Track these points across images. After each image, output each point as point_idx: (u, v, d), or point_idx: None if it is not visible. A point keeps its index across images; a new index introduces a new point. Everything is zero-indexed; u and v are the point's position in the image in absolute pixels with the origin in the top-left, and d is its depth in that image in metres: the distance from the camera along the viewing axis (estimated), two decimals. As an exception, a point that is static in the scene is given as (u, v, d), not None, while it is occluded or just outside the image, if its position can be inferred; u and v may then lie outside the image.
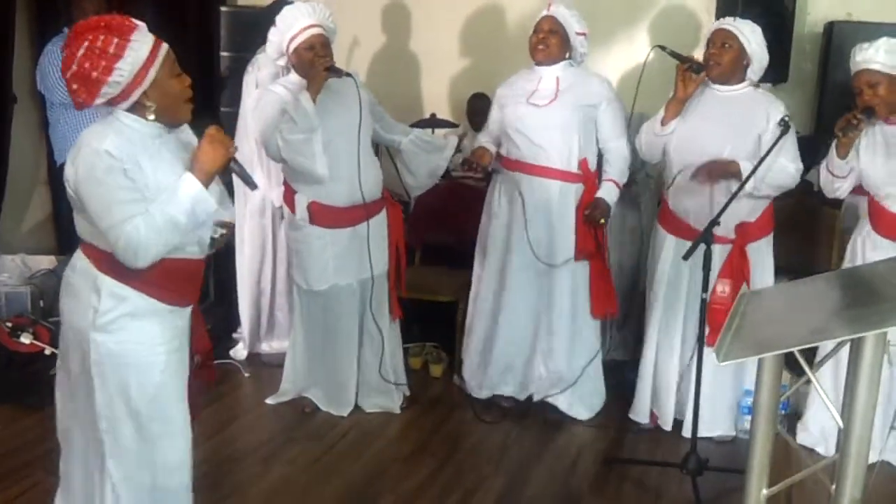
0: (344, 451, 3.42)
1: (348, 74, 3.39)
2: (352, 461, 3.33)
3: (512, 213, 3.63)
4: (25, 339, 3.92)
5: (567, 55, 3.57)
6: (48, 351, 3.95)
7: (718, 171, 3.26)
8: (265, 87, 3.66)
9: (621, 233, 4.10)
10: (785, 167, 3.24)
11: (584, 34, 3.56)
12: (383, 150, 4.34)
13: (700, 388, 3.09)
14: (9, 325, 3.95)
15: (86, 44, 2.00)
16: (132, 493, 2.21)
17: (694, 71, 3.29)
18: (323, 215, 3.49)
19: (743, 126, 3.30)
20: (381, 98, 3.75)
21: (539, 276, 3.62)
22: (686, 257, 2.95)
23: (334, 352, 3.64)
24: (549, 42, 3.52)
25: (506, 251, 3.66)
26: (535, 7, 3.92)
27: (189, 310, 2.28)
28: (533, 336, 3.69)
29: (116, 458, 2.19)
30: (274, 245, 4.17)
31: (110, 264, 2.09)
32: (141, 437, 2.19)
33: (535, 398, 3.71)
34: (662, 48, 3.29)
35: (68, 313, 2.20)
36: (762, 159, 3.07)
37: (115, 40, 2.00)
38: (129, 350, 2.13)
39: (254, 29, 4.36)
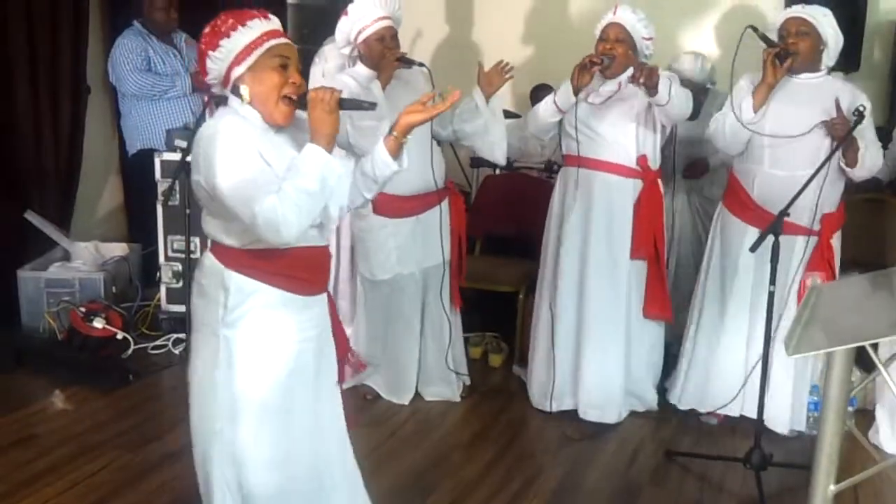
0: (404, 438, 3.45)
1: (421, 64, 3.42)
2: (412, 448, 3.37)
3: (568, 208, 3.58)
4: (98, 323, 4.05)
5: (634, 61, 3.47)
6: (120, 335, 4.10)
7: (844, 124, 3.13)
8: (333, 77, 3.69)
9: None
10: (876, 154, 3.20)
11: (651, 38, 3.48)
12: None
13: (765, 382, 3.04)
14: (82, 310, 4.09)
15: (213, 23, 2.08)
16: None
17: (780, 58, 3.19)
18: (387, 205, 3.50)
19: (830, 113, 3.21)
20: (442, 89, 3.75)
21: (594, 274, 3.54)
22: (753, 249, 2.90)
23: (396, 340, 3.68)
24: (616, 51, 3.42)
25: (561, 249, 3.60)
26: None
27: (324, 298, 2.26)
28: (586, 340, 3.58)
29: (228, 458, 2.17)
30: (338, 233, 4.23)
31: (237, 260, 2.10)
32: (259, 436, 2.16)
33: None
34: (755, 29, 3.18)
35: (198, 312, 2.19)
36: (837, 146, 3.03)
37: (231, 21, 2.06)
38: (259, 344, 2.12)
39: (319, 21, 4.45)
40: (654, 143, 3.54)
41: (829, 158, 3.04)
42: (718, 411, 3.55)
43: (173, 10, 4.68)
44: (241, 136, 2.03)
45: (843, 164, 3.20)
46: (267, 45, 2.06)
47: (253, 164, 2.00)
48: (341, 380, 2.38)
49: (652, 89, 3.29)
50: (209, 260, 2.16)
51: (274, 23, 2.11)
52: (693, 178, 4.05)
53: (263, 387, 2.14)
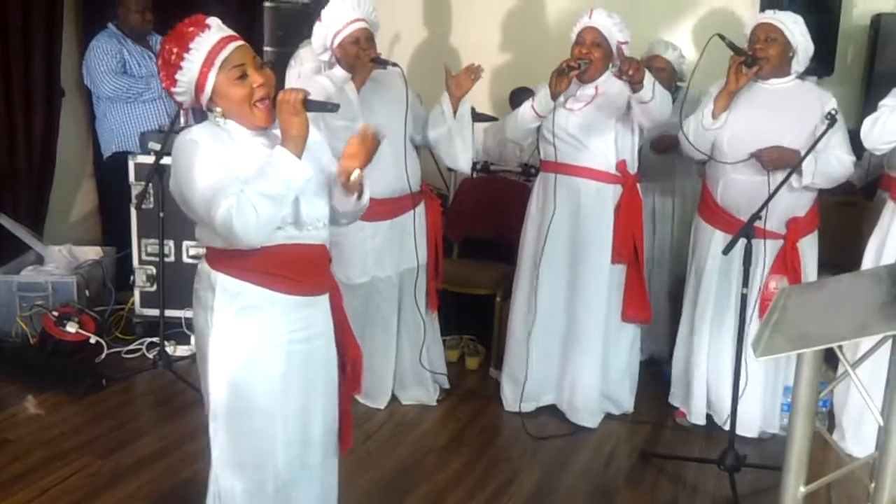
0: (379, 442, 3.44)
1: (394, 64, 3.41)
2: (387, 452, 3.36)
3: (547, 214, 3.59)
4: (71, 327, 4.01)
5: (609, 65, 3.50)
6: (93, 340, 4.06)
7: (785, 159, 3.18)
8: (309, 78, 3.67)
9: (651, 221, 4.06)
10: (839, 159, 3.20)
11: (626, 42, 3.49)
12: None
13: (738, 385, 3.05)
14: (55, 314, 4.05)
15: (161, 56, 2.06)
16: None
17: (747, 65, 3.22)
18: (363, 208, 3.52)
19: (798, 118, 3.24)
20: (421, 92, 3.76)
21: (572, 280, 3.57)
22: (726, 252, 2.92)
23: (372, 344, 3.65)
24: (594, 55, 3.42)
25: (540, 253, 3.59)
26: (576, 1, 3.88)
27: (323, 299, 2.22)
28: (567, 343, 3.62)
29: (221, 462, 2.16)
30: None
31: (223, 260, 2.08)
32: (252, 441, 2.14)
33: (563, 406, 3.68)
34: (722, 37, 3.20)
35: (196, 320, 2.17)
36: (808, 151, 3.05)
37: (176, 50, 2.02)
38: (248, 344, 2.09)
39: (296, 23, 4.43)
40: (632, 147, 3.55)
41: (790, 175, 3.07)
42: (692, 420, 3.57)
43: (148, 12, 4.65)
44: (210, 143, 2.01)
45: (806, 179, 3.19)
46: (218, 61, 2.02)
47: (217, 171, 1.98)
48: (350, 391, 2.34)
49: (637, 84, 3.29)
50: (201, 265, 2.15)
51: (214, 30, 2.05)
52: (661, 153, 4.03)
53: (260, 390, 2.11)
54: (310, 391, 2.21)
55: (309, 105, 2.04)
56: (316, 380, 2.22)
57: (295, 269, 2.12)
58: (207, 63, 2.02)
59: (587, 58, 3.42)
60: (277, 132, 2.08)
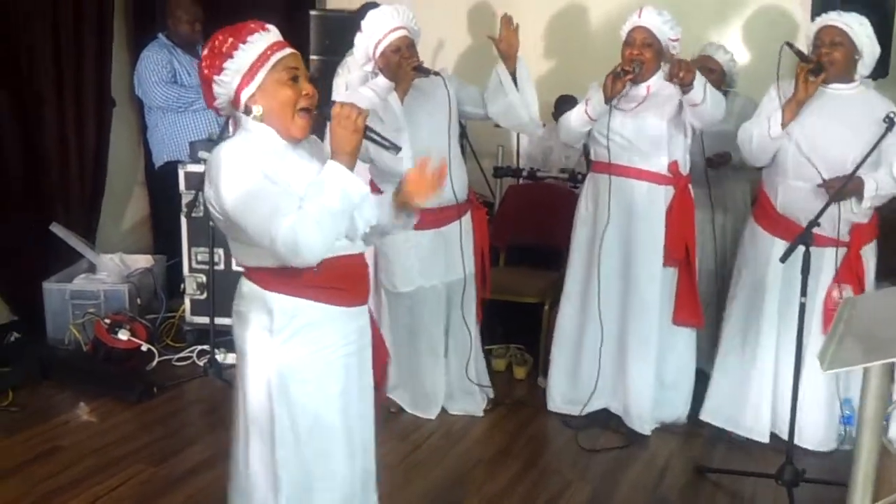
0: (428, 452, 3.42)
1: (436, 73, 3.39)
2: (436, 463, 3.33)
3: (597, 215, 3.56)
4: (123, 335, 4.06)
5: (661, 64, 3.46)
6: (144, 347, 4.10)
7: (850, 191, 3.11)
8: (353, 90, 3.69)
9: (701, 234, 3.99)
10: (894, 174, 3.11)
11: (677, 39, 3.45)
12: (469, 152, 4.34)
13: (797, 397, 2.97)
14: (107, 321, 4.10)
15: (210, 44, 2.01)
16: None
17: (814, 72, 3.13)
18: (409, 217, 3.51)
19: (865, 128, 3.14)
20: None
21: (623, 282, 3.53)
22: (783, 259, 2.86)
23: (420, 354, 3.65)
24: (645, 56, 3.39)
25: (589, 256, 3.58)
26: (620, 5, 3.83)
27: (365, 309, 2.20)
28: (619, 348, 3.58)
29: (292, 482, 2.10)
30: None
31: (277, 280, 2.02)
32: (319, 456, 2.11)
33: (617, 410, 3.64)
34: (790, 45, 3.14)
35: (241, 342, 2.10)
36: (865, 158, 2.98)
37: (230, 40, 1.98)
38: (309, 363, 2.06)
39: (342, 32, 4.43)
40: (684, 148, 3.51)
41: (851, 175, 3.00)
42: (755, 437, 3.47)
43: (198, 22, 4.71)
44: (254, 156, 1.95)
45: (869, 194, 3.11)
46: (273, 59, 1.98)
47: (263, 186, 1.92)
48: (381, 399, 2.32)
49: (688, 86, 3.25)
50: (247, 286, 2.09)
51: (273, 34, 2.03)
52: (714, 168, 3.97)
53: (325, 405, 2.08)
54: (363, 400, 2.19)
55: (368, 132, 1.99)
56: (366, 388, 2.21)
57: (347, 280, 2.09)
58: (262, 58, 1.97)
59: (639, 59, 3.38)
60: (310, 146, 2.07)
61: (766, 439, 3.42)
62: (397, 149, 2.09)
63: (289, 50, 2.03)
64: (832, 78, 3.18)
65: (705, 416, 3.56)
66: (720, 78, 4.03)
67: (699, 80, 3.27)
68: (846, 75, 3.21)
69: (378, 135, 2.03)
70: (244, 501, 2.16)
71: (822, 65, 3.13)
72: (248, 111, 2.01)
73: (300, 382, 2.05)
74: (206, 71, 2.00)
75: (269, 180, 1.93)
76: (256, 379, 2.07)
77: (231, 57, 1.97)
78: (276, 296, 2.03)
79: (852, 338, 1.82)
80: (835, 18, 3.19)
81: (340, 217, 1.94)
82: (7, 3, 4.17)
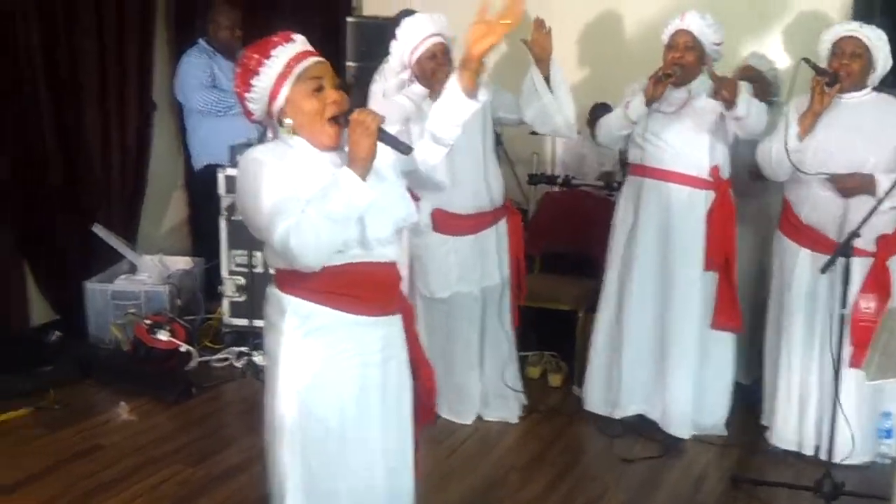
0: (463, 457, 3.43)
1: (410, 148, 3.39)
2: (470, 468, 3.35)
3: (635, 219, 3.57)
4: (163, 335, 4.12)
5: (703, 68, 3.46)
6: (183, 348, 4.16)
7: (861, 187, 3.13)
8: (389, 98, 3.72)
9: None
10: None
11: (720, 43, 3.45)
12: (504, 159, 4.34)
13: (836, 409, 2.95)
14: (147, 321, 4.17)
15: (240, 62, 2.05)
16: None
17: (829, 84, 3.15)
18: (446, 222, 3.52)
19: (880, 134, 3.18)
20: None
21: (662, 287, 3.54)
22: (824, 270, 2.85)
23: (456, 360, 3.66)
24: (687, 60, 3.40)
25: (627, 261, 3.59)
26: (656, 12, 3.82)
27: (396, 319, 2.18)
28: (658, 352, 3.58)
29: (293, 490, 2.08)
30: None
31: (291, 282, 2.04)
32: (329, 466, 2.08)
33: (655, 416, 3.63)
34: (807, 61, 3.17)
35: (266, 344, 2.14)
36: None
37: (256, 56, 2.01)
38: (322, 367, 2.05)
39: (379, 38, 4.46)
40: (725, 152, 3.50)
41: (885, 197, 2.99)
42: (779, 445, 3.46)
43: (237, 28, 4.77)
44: (275, 163, 1.98)
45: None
46: (296, 71, 2.01)
47: (280, 191, 1.94)
48: (423, 421, 2.28)
49: (732, 104, 3.25)
50: (271, 289, 2.12)
51: (298, 44, 2.05)
52: (757, 181, 3.95)
53: (334, 414, 2.06)
54: (386, 415, 2.15)
55: (384, 136, 2.00)
56: (390, 404, 2.16)
57: (364, 288, 2.07)
58: (285, 72, 2.00)
59: (681, 62, 3.38)
60: (346, 151, 2.05)
61: (810, 451, 3.39)
62: (410, 149, 2.08)
63: (312, 59, 2.04)
64: (845, 88, 3.19)
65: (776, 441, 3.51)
66: (764, 88, 4.01)
67: (743, 95, 3.28)
68: (858, 84, 3.22)
69: (389, 136, 2.03)
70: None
71: (837, 76, 3.15)
72: (280, 123, 2.04)
73: (312, 387, 2.04)
74: (238, 90, 2.05)
75: (279, 181, 1.95)
76: (275, 380, 2.07)
77: (257, 74, 2.01)
78: (290, 297, 2.05)
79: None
80: (856, 30, 3.21)
81: (343, 223, 1.93)
82: (52, 8, 4.24)
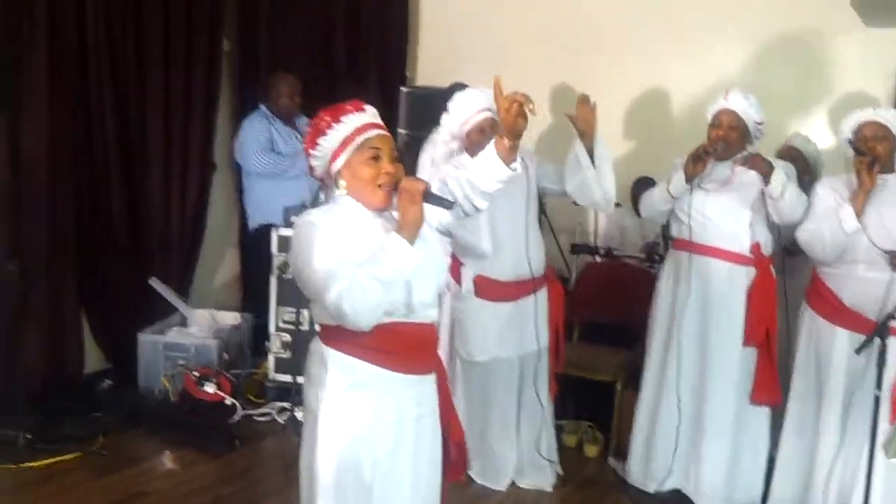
0: (496, 523, 3.47)
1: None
2: (503, 534, 3.38)
3: (676, 293, 3.62)
4: (209, 388, 4.24)
5: (746, 145, 3.55)
6: (228, 401, 4.27)
7: None
8: (437, 166, 3.85)
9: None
10: None
11: (762, 123, 3.55)
12: (547, 228, 4.44)
13: (870, 488, 2.92)
14: (196, 374, 4.29)
15: (313, 121, 2.23)
16: None
17: (870, 164, 3.22)
18: (488, 289, 3.61)
19: None
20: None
21: (701, 361, 3.57)
22: (859, 351, 2.87)
23: (492, 425, 3.71)
24: (731, 138, 3.49)
25: (667, 334, 3.64)
26: (701, 89, 3.92)
27: (431, 378, 2.29)
28: (695, 426, 3.60)
29: None
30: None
31: (336, 336, 2.15)
32: None
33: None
34: (850, 142, 3.27)
35: (305, 397, 2.25)
36: None
37: (328, 119, 2.19)
38: (358, 421, 2.14)
39: (430, 108, 4.63)
40: (766, 230, 3.55)
41: None
42: None
43: (297, 96, 4.98)
44: (328, 226, 2.12)
45: None
46: (359, 139, 2.17)
47: (333, 253, 2.07)
48: (454, 476, 2.36)
49: (764, 176, 3.34)
50: (314, 344, 2.24)
51: (368, 114, 2.21)
52: (792, 257, 3.98)
53: (368, 466, 2.15)
54: (417, 471, 2.24)
55: (427, 197, 2.15)
56: (422, 460, 2.26)
57: (406, 347, 2.19)
58: (350, 138, 2.17)
59: (724, 139, 3.47)
60: (395, 213, 2.19)
61: None
62: (452, 204, 2.25)
63: (376, 131, 2.20)
64: (881, 170, 3.25)
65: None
66: (804, 168, 4.07)
67: (778, 175, 3.35)
68: (888, 167, 3.29)
69: (433, 196, 2.18)
70: None
71: (877, 157, 3.21)
72: (336, 184, 2.21)
73: (348, 439, 2.14)
74: (306, 146, 2.23)
75: (332, 244, 2.09)
76: (312, 430, 2.18)
77: (325, 134, 2.18)
78: (333, 352, 2.17)
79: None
80: (876, 114, 3.29)
81: (391, 286, 2.07)
82: (125, 73, 4.49)
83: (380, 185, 2.17)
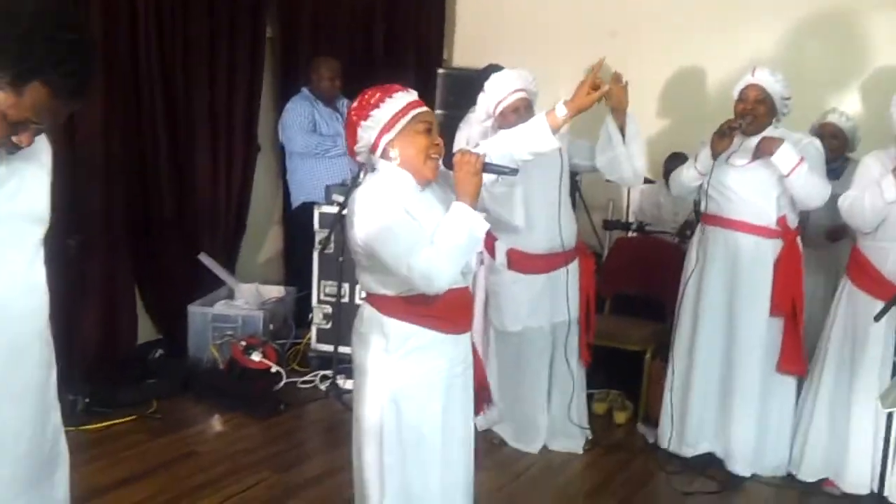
0: (528, 482, 3.61)
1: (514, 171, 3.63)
2: (534, 493, 3.52)
3: (705, 266, 3.71)
4: (256, 356, 4.43)
5: (774, 120, 3.61)
6: (274, 369, 4.45)
7: None
8: (472, 145, 3.98)
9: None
10: None
11: (789, 98, 3.60)
12: (580, 205, 4.55)
13: (888, 453, 3.02)
14: (243, 343, 4.48)
15: (359, 98, 2.31)
16: None
17: None
18: (520, 262, 3.75)
19: None
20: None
21: (729, 331, 3.67)
22: (878, 318, 2.95)
23: (524, 391, 3.86)
24: (757, 112, 3.55)
25: (696, 306, 3.74)
26: (733, 67, 3.97)
27: (468, 336, 2.46)
28: (724, 393, 3.71)
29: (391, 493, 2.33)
30: (472, 287, 4.46)
31: (395, 306, 2.29)
32: (421, 465, 2.33)
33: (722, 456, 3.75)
34: None
35: (360, 360, 2.36)
36: None
37: (379, 94, 2.28)
38: (417, 382, 2.30)
39: (466, 89, 4.77)
40: (792, 204, 3.60)
41: None
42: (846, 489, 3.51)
43: (338, 79, 5.14)
44: (391, 196, 2.25)
45: None
46: (412, 113, 2.26)
47: (402, 221, 2.19)
48: (478, 411, 2.56)
49: (769, 155, 3.43)
50: (367, 310, 2.36)
51: (414, 94, 2.31)
52: (835, 242, 4.05)
53: (427, 421, 2.32)
54: (466, 417, 2.45)
55: (487, 167, 2.29)
56: (468, 408, 2.47)
57: (455, 310, 2.36)
58: (404, 111, 2.25)
59: (751, 113, 3.53)
60: (437, 188, 2.35)
61: (865, 490, 3.44)
62: (515, 171, 2.42)
63: (425, 108, 2.33)
64: None
65: (803, 474, 3.62)
66: (841, 145, 4.12)
67: (783, 152, 3.41)
68: None
69: (494, 165, 2.34)
70: None
71: None
72: (384, 155, 2.31)
73: (408, 399, 2.31)
74: (354, 118, 2.30)
75: (409, 216, 2.23)
76: (372, 394, 2.34)
77: (378, 107, 2.27)
78: (392, 321, 2.31)
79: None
80: None
81: (466, 251, 2.24)
82: (173, 59, 4.67)
83: (432, 157, 2.30)
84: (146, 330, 4.77)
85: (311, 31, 5.50)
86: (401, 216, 2.22)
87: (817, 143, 3.67)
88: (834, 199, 3.63)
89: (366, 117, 2.28)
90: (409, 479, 2.34)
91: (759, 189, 3.58)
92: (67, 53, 1.48)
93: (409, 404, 2.31)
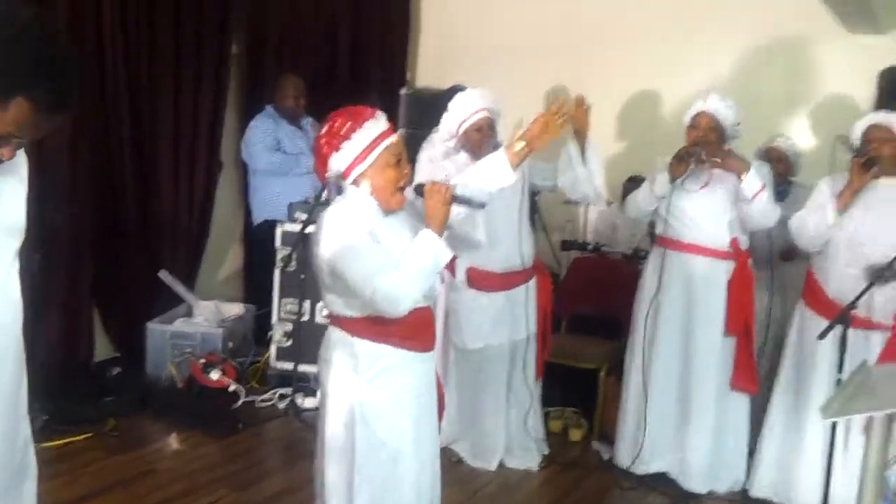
0: (485, 499, 3.65)
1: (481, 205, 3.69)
2: (492, 509, 3.56)
3: (661, 287, 3.77)
4: (215, 375, 4.41)
5: (724, 146, 3.70)
6: (232, 387, 4.44)
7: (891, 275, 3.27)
8: (435, 163, 4.04)
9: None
10: None
11: (739, 124, 3.70)
12: (538, 225, 4.62)
13: (831, 471, 3.08)
14: (202, 361, 4.47)
15: (328, 125, 2.34)
16: None
17: (867, 166, 3.34)
18: (480, 280, 3.80)
19: None
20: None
21: (684, 350, 3.75)
22: (821, 337, 3.04)
23: (484, 408, 3.90)
24: (709, 139, 3.64)
25: (652, 326, 3.80)
26: (691, 91, 4.07)
27: (432, 354, 2.53)
28: (680, 412, 3.78)
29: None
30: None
31: (364, 328, 2.35)
32: (393, 482, 2.39)
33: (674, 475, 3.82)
34: (841, 138, 3.42)
35: (328, 382, 2.42)
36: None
37: (350, 123, 2.30)
38: (387, 400, 2.36)
39: (428, 109, 4.83)
40: (744, 226, 3.71)
41: (891, 264, 3.16)
42: None
43: (302, 98, 5.17)
44: (358, 219, 2.31)
45: None
46: (383, 145, 2.32)
47: (368, 246, 2.26)
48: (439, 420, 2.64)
49: (738, 173, 3.52)
50: (336, 333, 2.41)
51: (382, 120, 2.35)
52: (789, 261, 4.15)
53: (400, 439, 2.38)
54: (432, 432, 2.51)
55: (457, 199, 2.38)
56: (434, 425, 2.54)
57: (420, 328, 2.44)
58: (375, 142, 2.30)
59: (704, 141, 3.63)
60: (401, 216, 2.41)
61: None
62: (482, 205, 2.52)
63: (395, 137, 2.38)
64: (881, 172, 3.36)
65: (755, 490, 3.69)
66: (788, 168, 4.25)
67: (752, 176, 3.51)
68: (894, 169, 3.39)
69: (463, 197, 2.44)
70: None
71: (874, 159, 3.33)
72: (356, 184, 2.35)
73: (380, 418, 2.37)
74: (324, 148, 2.32)
75: (374, 240, 2.29)
76: (338, 414, 2.39)
77: (349, 139, 2.31)
78: (361, 341, 2.37)
79: (861, 393, 1.98)
80: (882, 117, 3.41)
81: (430, 276, 2.33)
82: (139, 74, 4.67)
83: (400, 188, 2.36)
84: (104, 347, 4.74)
85: (276, 49, 5.54)
86: (366, 241, 2.28)
87: (766, 167, 3.79)
88: (782, 220, 3.72)
89: (337, 148, 2.32)
90: (381, 495, 2.38)
91: (712, 213, 3.68)
92: (50, 68, 1.49)
93: (381, 424, 2.36)
